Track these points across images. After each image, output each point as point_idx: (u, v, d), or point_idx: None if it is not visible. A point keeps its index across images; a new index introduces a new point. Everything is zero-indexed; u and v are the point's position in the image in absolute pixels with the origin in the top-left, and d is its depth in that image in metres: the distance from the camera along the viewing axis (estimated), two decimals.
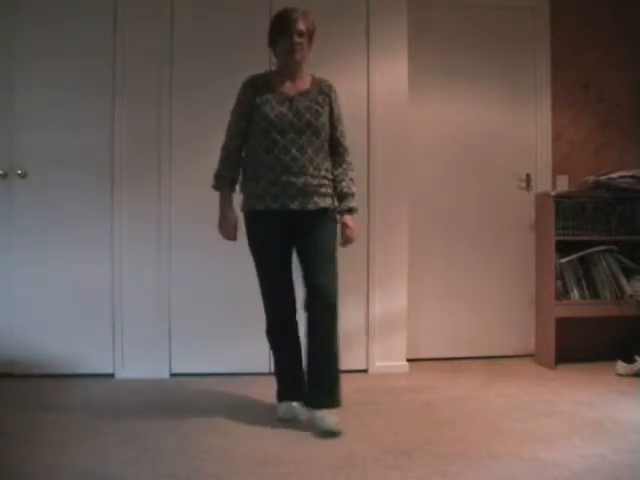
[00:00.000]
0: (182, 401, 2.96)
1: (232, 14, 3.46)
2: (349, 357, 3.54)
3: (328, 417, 2.50)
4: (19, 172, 3.31)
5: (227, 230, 2.67)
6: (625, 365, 3.43)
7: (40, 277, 3.34)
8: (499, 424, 2.61)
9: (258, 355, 3.41)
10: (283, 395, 2.72)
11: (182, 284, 3.41)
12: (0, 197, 3.34)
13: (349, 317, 3.55)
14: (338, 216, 2.71)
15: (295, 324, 2.71)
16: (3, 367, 3.27)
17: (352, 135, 3.51)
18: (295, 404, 2.68)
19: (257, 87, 2.63)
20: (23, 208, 3.34)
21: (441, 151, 3.86)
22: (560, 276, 3.62)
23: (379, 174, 3.55)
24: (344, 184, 2.71)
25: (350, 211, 2.72)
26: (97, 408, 2.82)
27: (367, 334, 3.56)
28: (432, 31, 3.83)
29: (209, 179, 2.72)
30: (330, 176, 2.69)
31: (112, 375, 3.36)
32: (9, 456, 2.22)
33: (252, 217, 2.64)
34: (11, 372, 3.27)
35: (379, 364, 3.54)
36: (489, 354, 3.85)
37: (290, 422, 2.61)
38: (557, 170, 3.93)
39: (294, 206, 2.57)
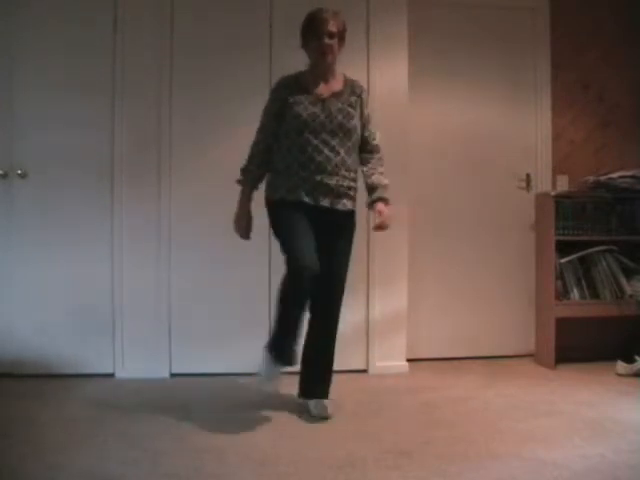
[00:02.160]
0: (182, 401, 2.95)
1: (232, 14, 3.47)
2: (349, 357, 3.54)
3: (326, 404, 2.71)
4: (19, 172, 3.31)
5: (242, 227, 2.69)
6: (625, 365, 3.43)
7: (40, 277, 3.34)
8: (499, 424, 2.61)
9: (258, 355, 3.41)
10: (276, 355, 2.61)
11: (182, 284, 3.41)
12: (0, 197, 3.34)
13: (349, 317, 3.55)
14: (371, 206, 2.73)
15: (309, 290, 2.58)
16: (3, 367, 3.26)
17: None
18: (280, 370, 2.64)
19: (290, 88, 2.66)
20: (23, 208, 3.34)
21: (441, 151, 3.86)
22: (560, 276, 3.62)
23: None
24: (374, 177, 2.74)
25: (382, 200, 2.71)
26: (97, 408, 2.82)
27: (367, 334, 3.56)
28: (432, 31, 3.83)
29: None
30: (357, 178, 2.74)
31: (112, 375, 3.36)
32: (9, 456, 2.22)
33: (280, 204, 2.64)
34: (11, 372, 3.26)
35: (379, 364, 3.54)
36: (489, 354, 3.85)
37: (270, 382, 2.65)
38: (557, 170, 3.93)
39: (325, 203, 2.63)
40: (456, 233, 3.87)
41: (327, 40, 2.61)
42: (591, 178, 3.78)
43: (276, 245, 3.49)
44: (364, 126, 2.75)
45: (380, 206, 2.70)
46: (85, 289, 3.36)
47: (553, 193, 3.65)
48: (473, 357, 3.81)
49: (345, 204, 2.68)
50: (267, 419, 2.70)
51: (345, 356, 3.54)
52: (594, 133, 3.99)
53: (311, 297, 2.65)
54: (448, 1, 3.86)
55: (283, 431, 2.54)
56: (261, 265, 3.44)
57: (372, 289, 3.55)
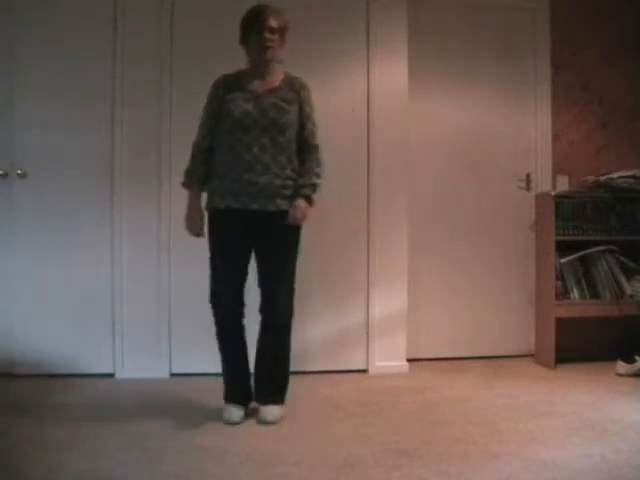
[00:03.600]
0: (182, 401, 2.96)
1: (232, 14, 3.44)
2: (349, 357, 3.55)
3: (272, 410, 2.64)
4: (19, 172, 3.31)
5: (194, 226, 2.64)
6: (625, 365, 3.43)
7: (40, 277, 3.34)
8: (499, 424, 2.61)
9: None
10: (230, 397, 2.68)
11: (182, 284, 3.41)
12: (0, 197, 3.34)
13: (349, 317, 3.56)
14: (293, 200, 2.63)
15: (242, 328, 2.70)
16: (3, 367, 3.27)
17: (352, 135, 3.55)
18: (241, 408, 2.66)
19: (227, 85, 2.62)
20: (23, 208, 3.34)
21: (441, 151, 3.86)
22: (560, 276, 3.61)
23: (379, 174, 3.55)
24: (305, 178, 2.64)
25: (305, 197, 2.61)
26: (97, 408, 2.82)
27: (367, 334, 3.56)
28: (432, 31, 3.83)
29: None
30: (296, 177, 2.65)
31: (112, 375, 3.36)
32: (9, 456, 2.22)
33: (214, 216, 2.63)
34: (11, 372, 3.27)
35: (379, 364, 3.54)
36: (489, 354, 3.85)
37: (235, 425, 2.59)
38: (557, 170, 3.93)
39: (254, 206, 2.56)
40: (456, 233, 3.87)
41: (268, 35, 2.56)
42: (591, 178, 3.78)
43: None
44: (303, 124, 2.67)
45: (299, 201, 2.59)
46: (85, 289, 3.36)
47: (553, 193, 3.65)
48: (473, 357, 3.81)
49: (279, 204, 2.58)
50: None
51: (345, 356, 3.55)
52: (594, 133, 3.99)
53: (262, 301, 2.67)
54: (448, 1, 3.86)
55: (283, 431, 2.54)
56: None
57: (372, 289, 3.55)
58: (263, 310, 2.69)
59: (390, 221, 3.56)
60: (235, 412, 2.63)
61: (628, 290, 3.63)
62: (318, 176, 2.67)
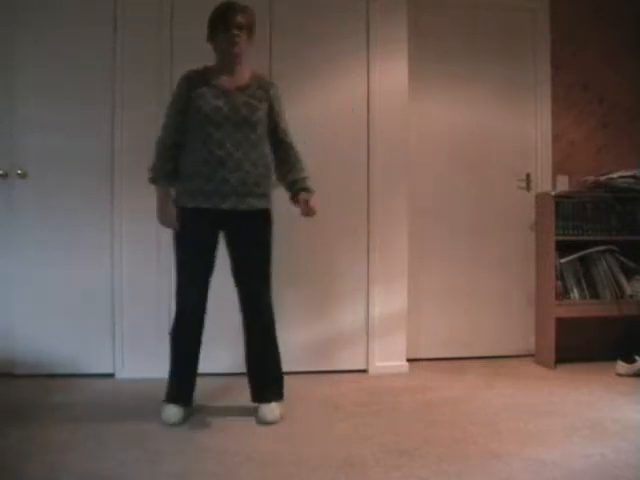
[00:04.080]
0: None
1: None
2: (349, 357, 3.55)
3: (273, 409, 2.65)
4: (19, 172, 3.31)
5: (168, 219, 2.63)
6: (625, 365, 3.43)
7: (40, 277, 3.34)
8: (499, 424, 2.61)
9: None
10: (173, 397, 2.65)
11: None
12: (0, 197, 3.34)
13: (349, 317, 3.56)
14: (294, 200, 2.68)
15: (203, 326, 2.71)
16: (3, 367, 3.27)
17: (352, 135, 3.55)
18: (181, 409, 2.62)
19: (193, 81, 2.61)
20: (23, 208, 3.34)
21: (441, 151, 3.86)
22: (560, 276, 3.62)
23: (379, 174, 3.55)
24: (293, 173, 2.68)
25: (304, 189, 2.65)
26: (97, 408, 2.82)
27: (367, 334, 3.56)
28: (432, 31, 3.83)
29: None
30: (269, 174, 2.67)
31: (112, 375, 3.36)
32: (9, 456, 2.22)
33: (183, 215, 2.62)
34: (11, 372, 3.27)
35: (379, 364, 3.54)
36: (489, 354, 3.85)
37: (177, 426, 2.57)
38: (557, 170, 3.93)
39: (225, 206, 2.56)
40: (456, 233, 3.87)
41: (235, 31, 2.57)
42: (591, 178, 3.78)
43: (275, 245, 3.49)
44: (276, 122, 2.68)
45: (303, 195, 2.63)
46: (85, 289, 3.36)
47: (553, 193, 3.65)
48: (473, 357, 3.81)
49: (251, 203, 2.59)
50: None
51: (345, 356, 3.55)
52: (594, 133, 3.99)
53: (240, 301, 2.69)
54: (448, 2, 3.86)
55: (283, 431, 2.54)
56: None
57: (372, 289, 3.55)
58: (247, 313, 2.70)
59: (390, 221, 3.56)
60: (177, 412, 2.60)
61: (628, 290, 3.63)
62: (305, 169, 2.71)
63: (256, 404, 2.72)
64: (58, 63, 3.35)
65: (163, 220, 2.65)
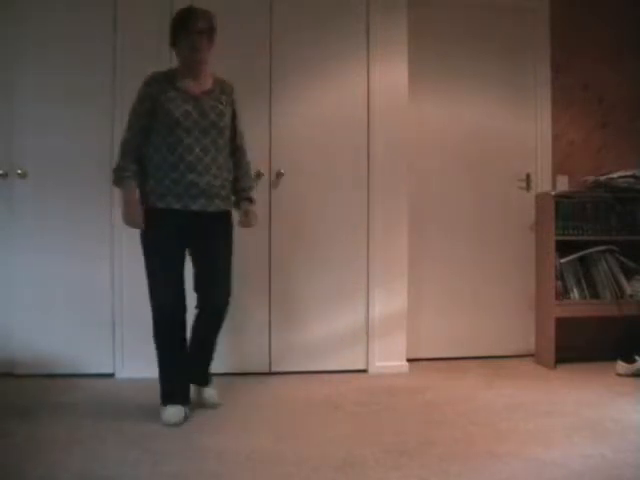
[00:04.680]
0: None
1: (232, 15, 3.46)
2: (349, 357, 3.55)
3: (214, 393, 2.84)
4: (19, 172, 3.31)
5: (135, 219, 2.61)
6: (625, 365, 3.43)
7: (40, 277, 3.34)
8: (499, 424, 2.61)
9: (258, 355, 3.43)
10: (170, 398, 2.63)
11: None
12: (0, 197, 3.34)
13: (349, 317, 3.56)
14: (237, 206, 2.79)
15: (185, 325, 2.70)
16: (3, 367, 3.27)
17: (352, 135, 3.55)
18: (181, 409, 2.61)
19: (162, 84, 2.62)
20: (23, 208, 3.34)
21: (441, 152, 3.86)
22: (560, 276, 3.62)
23: (379, 174, 3.55)
24: (244, 181, 2.81)
25: (248, 199, 2.80)
26: (97, 408, 2.82)
27: (367, 334, 3.56)
28: (432, 32, 3.83)
29: None
30: (231, 178, 2.75)
31: (112, 375, 3.36)
32: (9, 456, 2.22)
33: (151, 215, 2.61)
34: (11, 372, 3.27)
35: (379, 364, 3.54)
36: (489, 354, 3.85)
37: (177, 426, 2.56)
38: (557, 170, 3.93)
39: (195, 207, 2.60)
40: (456, 233, 3.87)
41: (197, 37, 2.60)
42: (591, 178, 3.78)
43: (275, 245, 3.52)
44: (235, 127, 2.75)
45: (245, 206, 2.79)
46: (85, 289, 3.36)
47: (553, 193, 3.65)
48: (473, 357, 3.82)
49: (218, 205, 2.66)
50: (267, 419, 2.70)
51: (345, 356, 3.55)
52: (594, 133, 3.99)
53: (198, 298, 2.73)
54: (448, 2, 3.86)
55: (283, 431, 2.54)
56: (260, 265, 3.45)
57: (372, 289, 3.55)
58: (203, 303, 2.73)
59: (390, 221, 3.56)
60: (177, 412, 2.59)
61: (628, 290, 3.63)
62: (252, 178, 2.86)
63: (196, 386, 2.82)
64: (58, 63, 3.35)
65: (129, 221, 2.64)
